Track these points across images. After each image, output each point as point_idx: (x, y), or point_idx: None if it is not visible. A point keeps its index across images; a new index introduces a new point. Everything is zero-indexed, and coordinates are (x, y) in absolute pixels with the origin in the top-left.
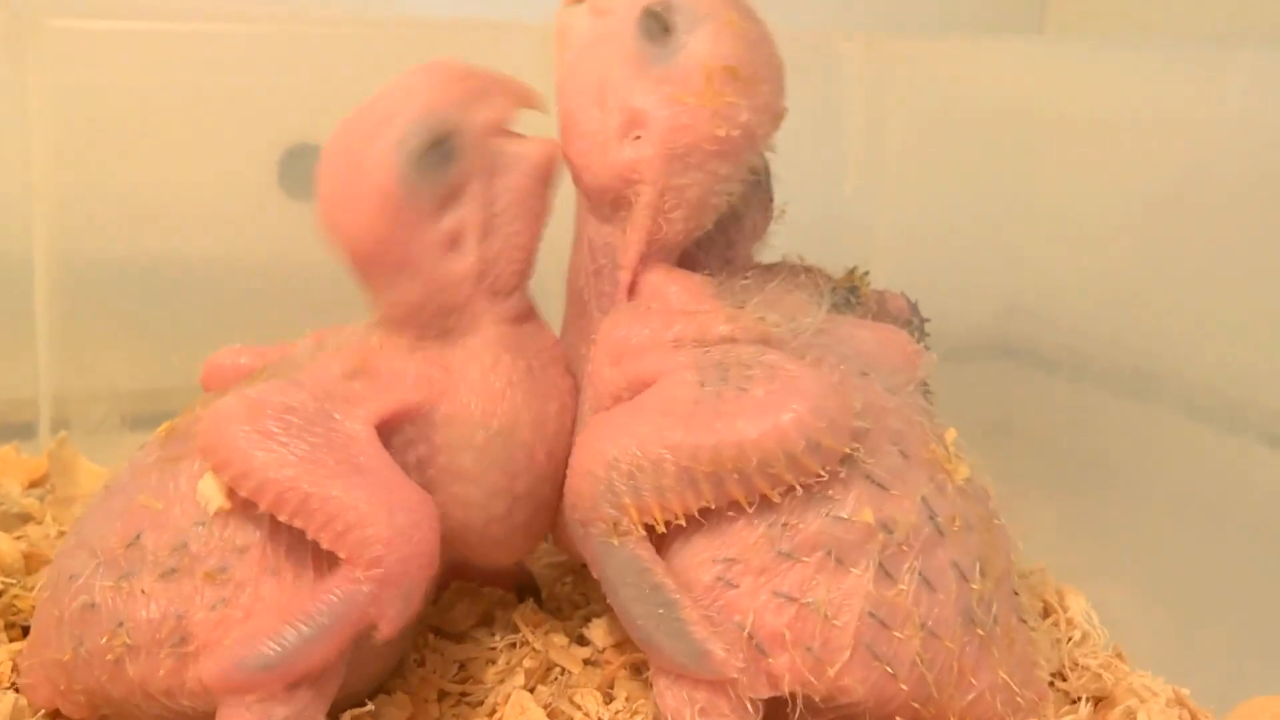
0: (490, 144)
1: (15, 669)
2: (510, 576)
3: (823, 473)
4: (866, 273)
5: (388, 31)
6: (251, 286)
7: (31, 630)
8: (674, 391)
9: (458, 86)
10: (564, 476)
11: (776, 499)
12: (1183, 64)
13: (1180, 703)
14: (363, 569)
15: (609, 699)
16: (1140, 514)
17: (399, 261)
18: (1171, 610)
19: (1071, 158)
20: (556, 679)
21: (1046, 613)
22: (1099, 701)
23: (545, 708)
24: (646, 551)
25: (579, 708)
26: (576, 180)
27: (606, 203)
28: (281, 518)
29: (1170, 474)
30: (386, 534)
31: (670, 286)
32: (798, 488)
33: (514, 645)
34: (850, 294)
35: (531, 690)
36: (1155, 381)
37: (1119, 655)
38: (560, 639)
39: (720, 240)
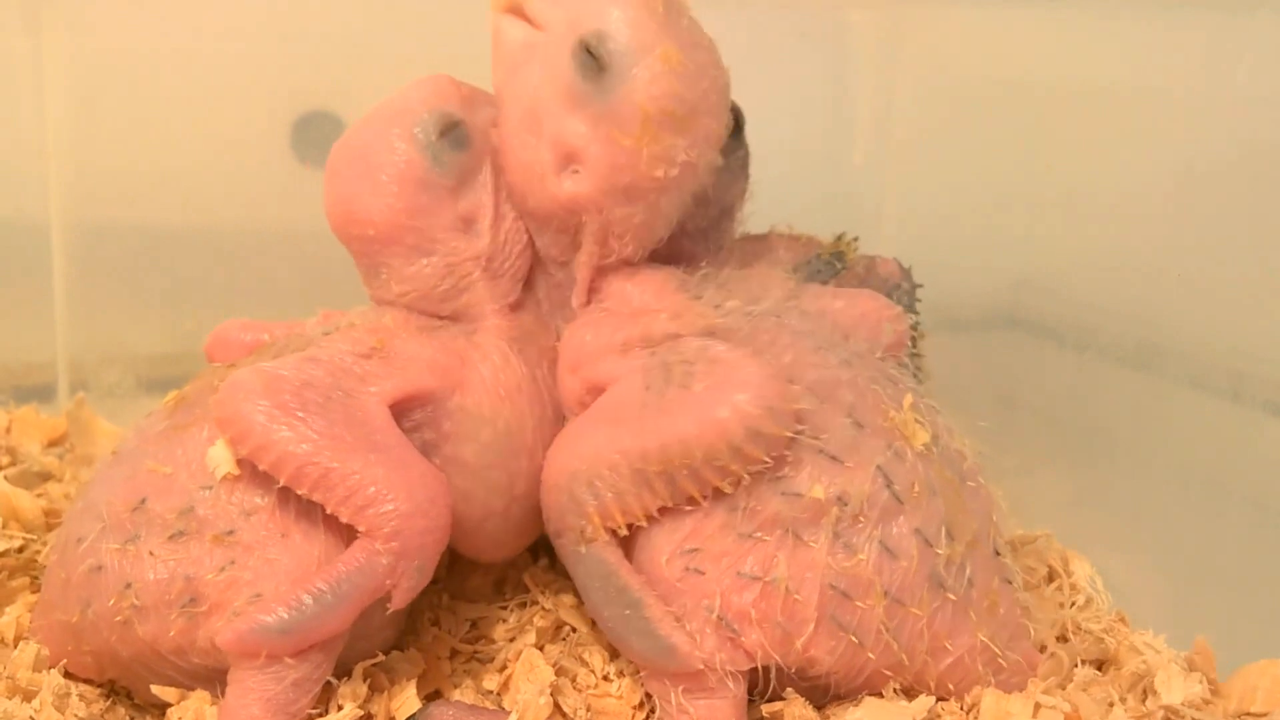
0: (493, 136)
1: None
2: None
3: (767, 459)
4: (855, 239)
5: None
6: (264, 252)
7: (41, 592)
8: (622, 398)
9: (459, 90)
10: None
11: (729, 490)
12: (1198, 32)
13: (1190, 665)
14: (382, 542)
15: (615, 656)
16: (1144, 483)
17: (418, 240)
18: (1174, 577)
19: (1082, 128)
20: (566, 637)
21: (1050, 577)
22: (1101, 665)
23: (553, 665)
24: (613, 555)
25: (585, 664)
26: (519, 204)
27: (551, 227)
28: (300, 491)
29: (1174, 444)
30: (406, 508)
31: (628, 286)
32: (746, 476)
33: (525, 605)
34: (835, 259)
35: (541, 649)
36: (1160, 353)
37: (1122, 620)
38: (570, 599)
39: (713, 233)
